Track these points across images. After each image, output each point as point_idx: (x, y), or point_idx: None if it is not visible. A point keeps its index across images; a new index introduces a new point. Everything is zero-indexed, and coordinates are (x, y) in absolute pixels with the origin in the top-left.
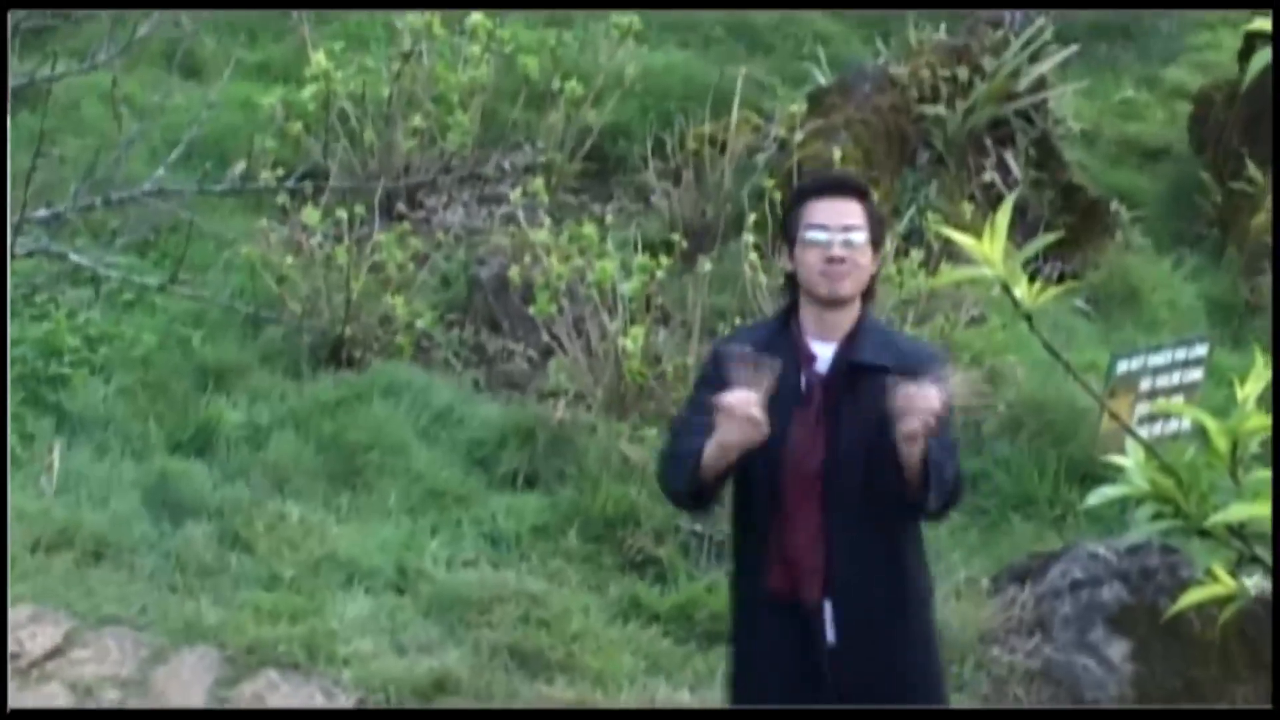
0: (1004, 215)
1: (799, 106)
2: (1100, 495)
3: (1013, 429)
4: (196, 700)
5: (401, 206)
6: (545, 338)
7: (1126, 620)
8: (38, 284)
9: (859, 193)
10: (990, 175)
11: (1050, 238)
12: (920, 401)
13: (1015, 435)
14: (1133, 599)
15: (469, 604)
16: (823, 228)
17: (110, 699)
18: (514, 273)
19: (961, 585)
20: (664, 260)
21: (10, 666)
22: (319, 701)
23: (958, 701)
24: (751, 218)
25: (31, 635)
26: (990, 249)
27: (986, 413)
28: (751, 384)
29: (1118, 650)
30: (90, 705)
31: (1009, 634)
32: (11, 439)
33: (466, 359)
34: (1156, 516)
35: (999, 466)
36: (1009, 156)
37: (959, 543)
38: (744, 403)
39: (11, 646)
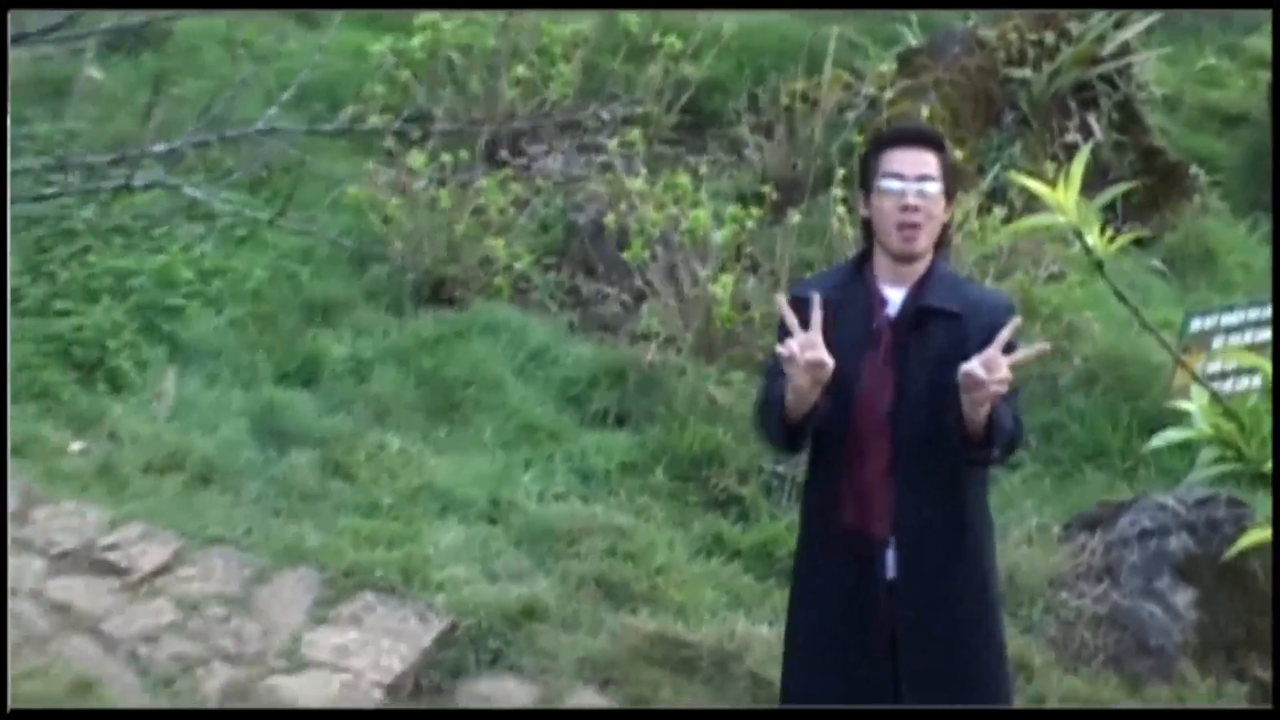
0: (1079, 165)
1: (889, 66)
2: (1164, 438)
3: (1088, 383)
4: (296, 619)
5: (504, 153)
6: (638, 283)
7: (1192, 569)
8: (155, 218)
9: (934, 144)
10: (1073, 137)
11: (1122, 188)
12: (988, 377)
13: (1090, 389)
14: (1199, 549)
15: (558, 535)
16: (898, 177)
17: (215, 615)
18: (610, 219)
19: (1034, 531)
20: (754, 211)
21: (120, 582)
22: (413, 623)
23: (1026, 642)
24: (840, 173)
25: (142, 552)
26: (1064, 197)
27: (1063, 366)
28: (814, 326)
29: (1183, 598)
30: (196, 621)
31: (1078, 579)
32: (126, 365)
33: (562, 301)
34: (1218, 460)
35: (1074, 418)
36: (1092, 119)
37: (1032, 490)
38: (803, 346)
39: (122, 562)
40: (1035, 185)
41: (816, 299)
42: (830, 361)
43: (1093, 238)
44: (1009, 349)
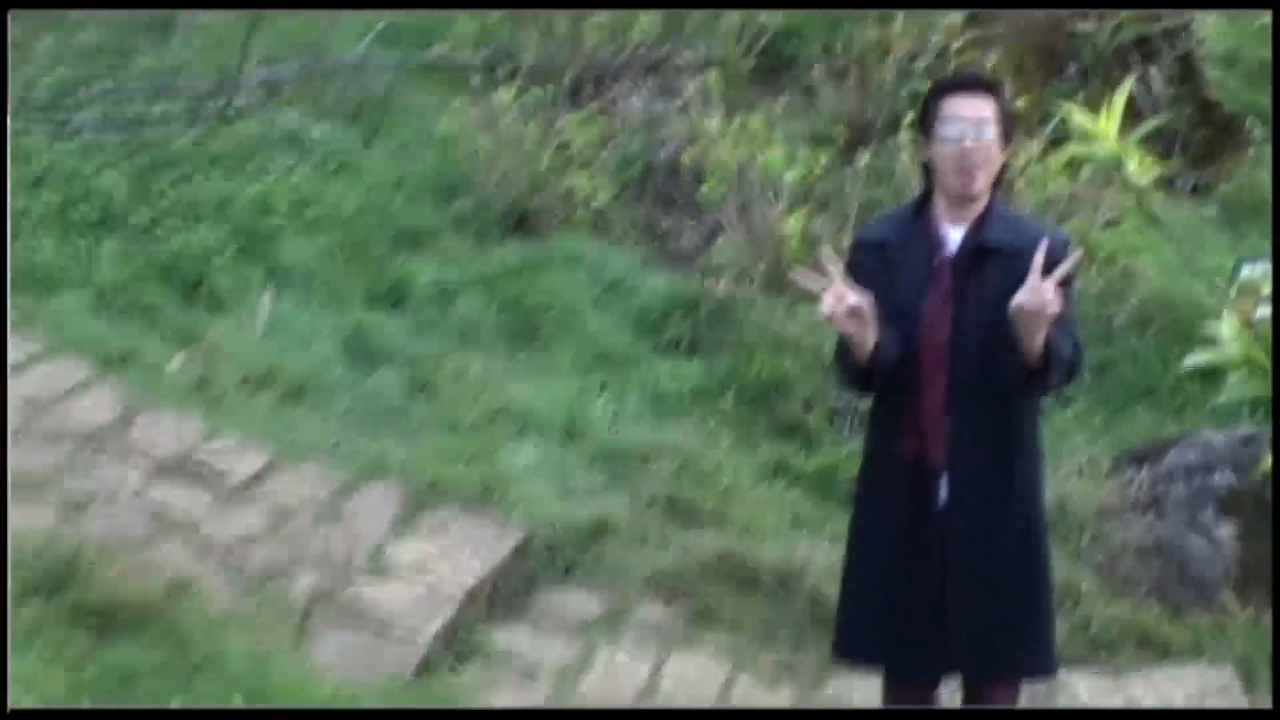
0: (1120, 97)
1: (959, 18)
2: (1195, 359)
3: (1141, 324)
4: (380, 529)
5: (588, 91)
6: (713, 219)
7: (1235, 503)
8: (253, 146)
9: (991, 89)
10: (1133, 90)
11: (1160, 120)
12: (1040, 308)
13: (1143, 330)
14: (1242, 484)
15: (630, 456)
16: (956, 121)
17: (304, 523)
18: (687, 158)
19: (1084, 465)
20: (825, 153)
21: (215, 489)
22: (491, 536)
23: (1074, 570)
24: (908, 118)
25: (237, 462)
26: (1105, 126)
27: (1117, 309)
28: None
29: (1226, 531)
30: (286, 528)
31: (1125, 511)
32: (224, 286)
33: (640, 235)
34: (1246, 383)
35: (1126, 358)
36: (1152, 73)
37: (1085, 426)
38: (838, 300)
39: (218, 471)
40: (1079, 115)
41: (829, 252)
42: (862, 300)
43: (1132, 165)
44: (1064, 283)
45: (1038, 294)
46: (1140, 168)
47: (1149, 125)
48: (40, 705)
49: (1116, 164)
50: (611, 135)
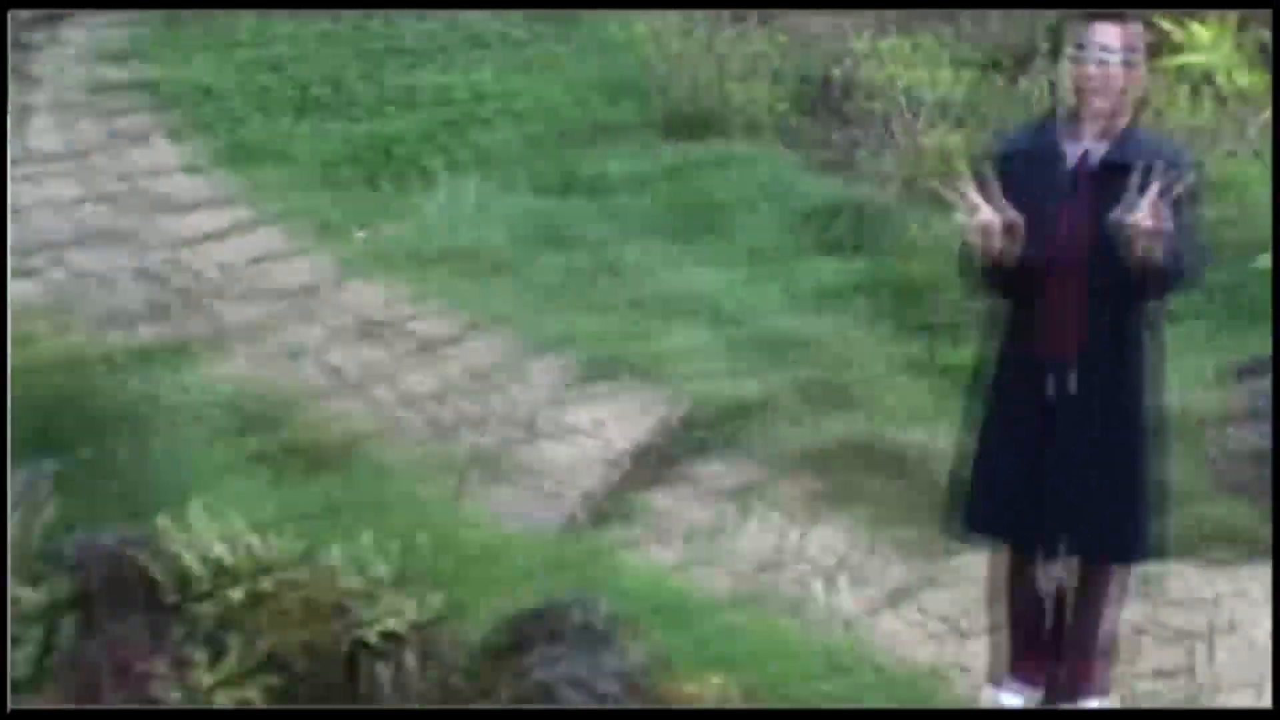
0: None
1: None
2: (1263, 260)
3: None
4: (551, 395)
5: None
6: (876, 131)
7: None
8: (445, 44)
9: (1123, 19)
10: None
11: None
12: (1140, 223)
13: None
14: None
15: (786, 343)
16: (1084, 46)
17: (485, 385)
18: (859, 73)
19: (1209, 371)
20: (982, 74)
21: (403, 350)
22: (651, 407)
23: (1189, 471)
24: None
25: (425, 326)
26: (1205, 36)
27: (1240, 234)
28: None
29: None
30: (470, 388)
31: (1244, 419)
32: (414, 169)
33: (810, 144)
34: None
35: (1253, 280)
36: None
37: (1210, 340)
38: (981, 211)
39: (406, 333)
40: (1193, 26)
41: (975, 165)
42: (1000, 213)
43: (1239, 75)
44: (1180, 199)
45: (1136, 211)
46: (1246, 76)
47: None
48: (252, 528)
49: (1210, 73)
50: (789, 50)
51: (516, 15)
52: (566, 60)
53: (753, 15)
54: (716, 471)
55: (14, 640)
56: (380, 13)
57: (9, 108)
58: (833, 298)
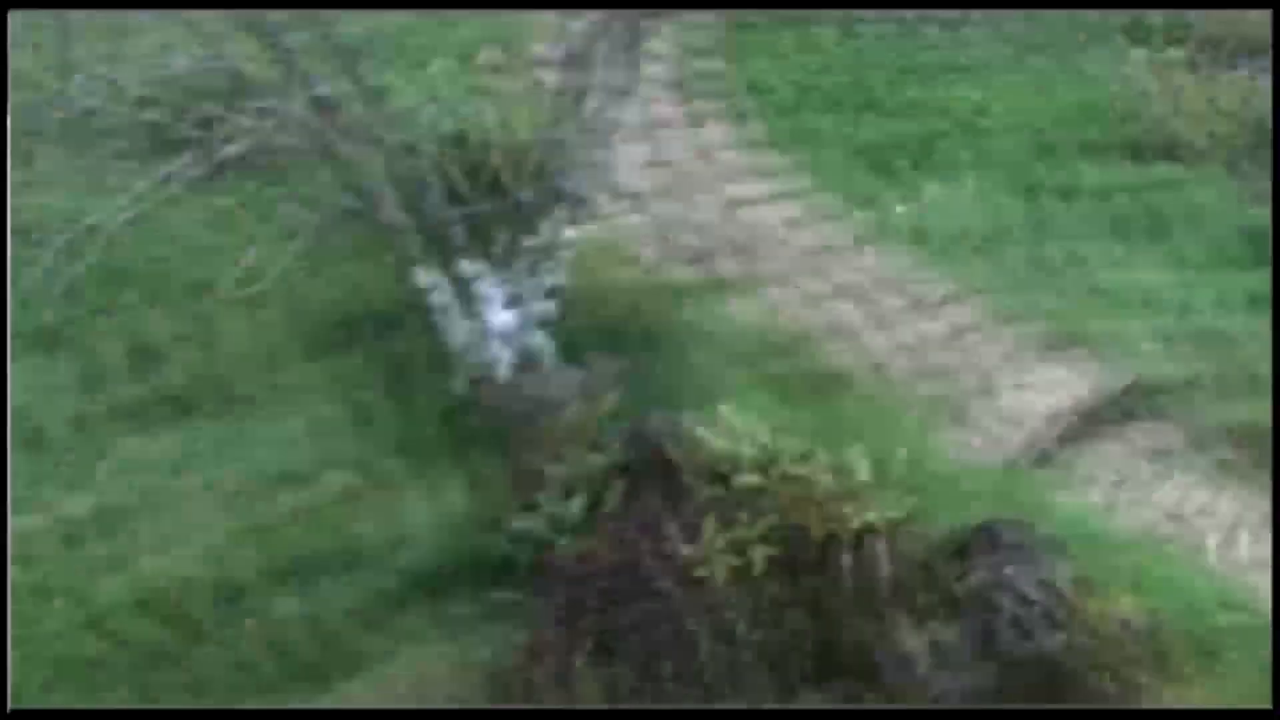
0: None
1: None
2: None
3: None
4: (1019, 355)
5: (1235, 60)
6: None
7: None
8: (951, 64)
9: None
10: None
11: None
12: None
13: None
14: None
15: (1213, 338)
16: None
17: (966, 341)
18: None
19: None
20: None
21: (903, 305)
22: (1102, 375)
23: None
24: None
25: (932, 288)
26: None
27: None
28: None
29: None
30: (952, 343)
31: None
32: (945, 161)
33: (1251, 174)
34: None
35: None
36: None
37: None
38: None
39: (913, 292)
40: None
41: None
42: None
43: None
44: None
45: None
46: None
47: None
48: (787, 441)
49: None
50: (1246, 95)
51: (1015, 43)
52: (1056, 84)
53: (1220, 62)
54: (1142, 436)
55: (568, 492)
56: (898, 32)
57: None
58: (1259, 304)
